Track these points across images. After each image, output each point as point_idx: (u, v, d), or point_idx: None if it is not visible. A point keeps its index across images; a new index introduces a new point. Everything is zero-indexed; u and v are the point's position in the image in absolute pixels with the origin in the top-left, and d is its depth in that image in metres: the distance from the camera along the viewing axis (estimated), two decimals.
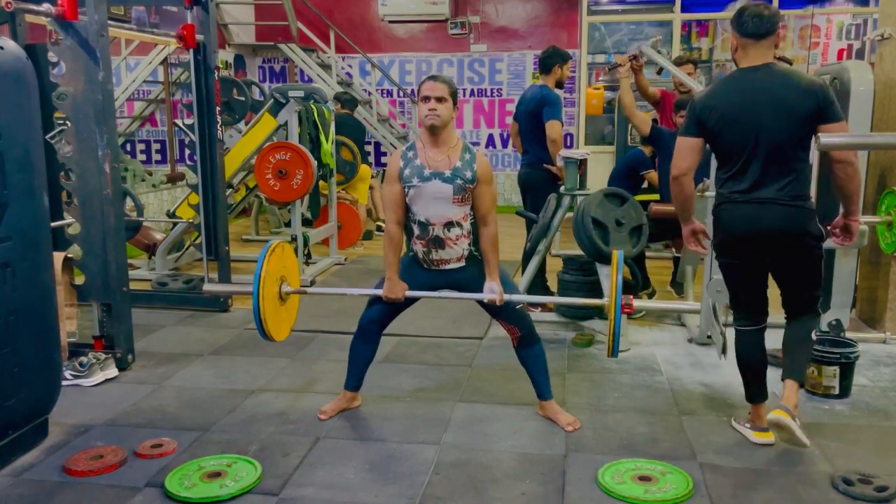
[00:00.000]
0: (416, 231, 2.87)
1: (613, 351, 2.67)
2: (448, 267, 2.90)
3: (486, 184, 2.82)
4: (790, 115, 2.63)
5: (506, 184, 9.42)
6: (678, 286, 4.74)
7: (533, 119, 4.63)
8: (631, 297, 2.68)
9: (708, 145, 2.79)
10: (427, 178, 2.78)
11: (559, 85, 4.75)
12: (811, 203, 2.74)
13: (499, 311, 2.92)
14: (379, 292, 2.90)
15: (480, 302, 2.91)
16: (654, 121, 5.45)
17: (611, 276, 2.67)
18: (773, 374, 3.54)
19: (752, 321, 2.87)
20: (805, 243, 2.70)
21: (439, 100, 2.74)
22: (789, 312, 2.88)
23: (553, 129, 4.52)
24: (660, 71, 5.25)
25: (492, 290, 2.83)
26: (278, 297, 2.88)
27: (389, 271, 2.88)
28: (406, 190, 2.82)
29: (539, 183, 4.69)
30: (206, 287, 3.21)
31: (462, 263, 2.90)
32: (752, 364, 2.86)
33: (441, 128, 2.77)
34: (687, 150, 2.77)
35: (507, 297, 2.83)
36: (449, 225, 2.82)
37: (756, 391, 2.86)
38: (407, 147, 2.88)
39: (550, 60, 4.68)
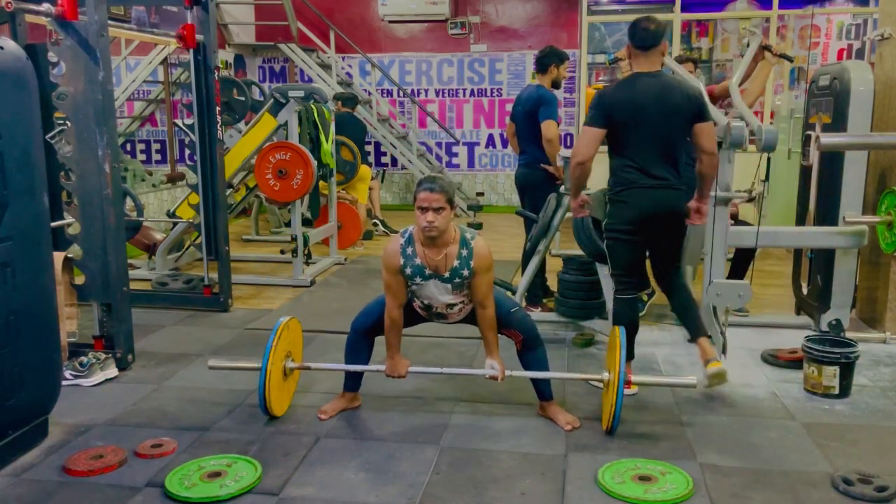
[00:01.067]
0: (420, 304, 2.98)
1: (612, 427, 2.78)
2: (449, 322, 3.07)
3: (483, 274, 2.81)
4: (677, 115, 3.12)
5: (506, 184, 9.43)
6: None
7: (529, 119, 4.62)
8: (629, 371, 2.85)
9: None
10: (428, 278, 2.82)
11: (556, 85, 4.74)
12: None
13: (501, 323, 2.94)
14: (380, 368, 2.97)
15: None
16: None
17: (614, 350, 2.79)
18: (773, 374, 3.56)
19: (634, 289, 3.37)
20: (682, 219, 3.28)
21: (437, 210, 2.68)
22: (661, 277, 3.42)
23: (549, 128, 4.52)
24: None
25: (493, 368, 2.91)
26: (283, 372, 3.00)
27: (391, 351, 2.94)
28: (408, 283, 2.86)
29: (537, 183, 4.70)
30: (211, 363, 3.21)
31: (464, 317, 3.02)
32: (634, 324, 3.32)
33: (439, 237, 2.75)
34: (593, 140, 3.22)
35: (508, 373, 2.91)
36: (450, 305, 2.92)
37: (633, 347, 3.35)
38: (405, 240, 2.83)
39: (547, 60, 4.67)
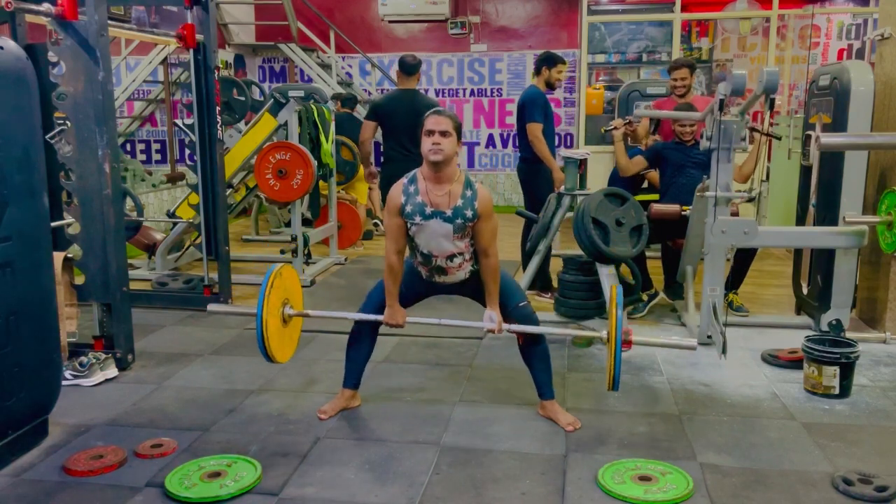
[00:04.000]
0: (419, 258, 2.92)
1: (614, 384, 2.74)
2: (450, 283, 2.97)
3: (487, 219, 2.78)
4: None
5: (506, 183, 9.43)
6: (674, 290, 4.74)
7: (521, 117, 4.95)
8: (630, 330, 2.79)
9: None
10: (429, 217, 2.77)
11: (549, 86, 5.02)
12: None
13: (507, 314, 2.93)
14: (379, 317, 2.95)
15: (482, 300, 2.95)
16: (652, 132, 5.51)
17: (609, 310, 2.74)
18: (773, 374, 3.56)
19: None
20: None
21: (443, 133, 2.68)
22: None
23: (531, 131, 4.83)
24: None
25: (491, 319, 2.88)
26: (281, 319, 2.95)
27: (390, 299, 2.91)
28: (408, 225, 2.82)
29: (530, 176, 5.02)
30: (211, 307, 3.21)
31: (464, 279, 2.95)
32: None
33: (444, 163, 2.72)
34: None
35: (505, 326, 2.89)
36: (451, 257, 2.86)
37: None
38: (408, 180, 2.82)
39: (539, 63, 5.03)
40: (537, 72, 5.05)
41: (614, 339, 2.67)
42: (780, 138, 4.52)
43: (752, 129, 4.31)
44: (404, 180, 2.83)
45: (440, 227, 2.78)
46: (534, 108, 4.83)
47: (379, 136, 5.46)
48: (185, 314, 4.58)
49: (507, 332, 2.93)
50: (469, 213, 2.76)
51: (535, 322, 2.98)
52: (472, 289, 2.98)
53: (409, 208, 2.78)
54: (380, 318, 2.95)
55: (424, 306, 3.14)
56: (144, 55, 8.24)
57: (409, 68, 5.04)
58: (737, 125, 3.71)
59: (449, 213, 2.76)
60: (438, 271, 2.92)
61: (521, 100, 4.99)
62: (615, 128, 4.74)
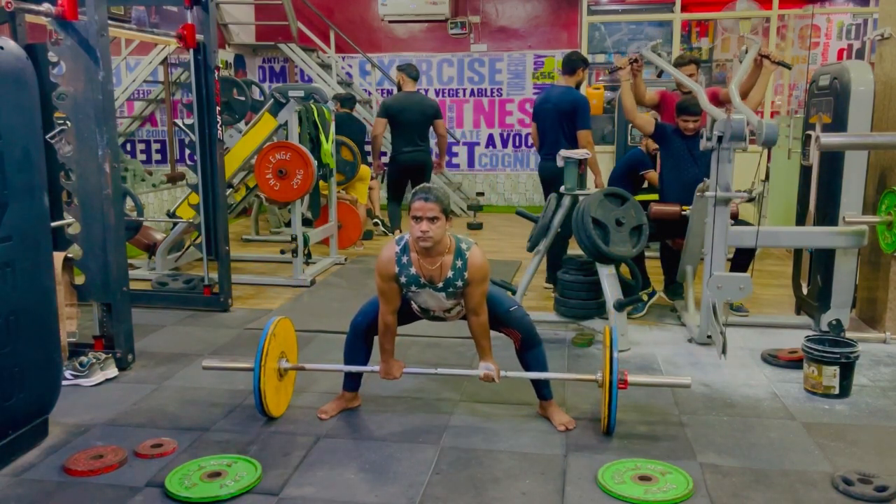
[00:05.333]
0: (417, 309, 3.00)
1: (609, 428, 2.78)
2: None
3: (477, 285, 2.79)
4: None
5: (506, 184, 9.43)
6: (673, 291, 4.73)
7: (566, 118, 4.91)
8: (626, 371, 2.82)
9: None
10: (423, 286, 2.82)
11: (577, 87, 5.05)
12: None
13: (500, 322, 2.94)
14: (375, 369, 2.97)
15: None
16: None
17: (603, 349, 2.81)
18: (773, 374, 3.56)
19: None
20: None
21: (431, 220, 2.65)
22: None
23: (585, 138, 4.90)
24: (660, 73, 5.29)
25: (487, 369, 2.89)
26: (278, 374, 3.00)
27: (385, 356, 2.94)
28: (403, 291, 2.85)
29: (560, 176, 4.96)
30: (205, 363, 3.19)
31: (462, 317, 3.01)
32: None
33: (434, 247, 2.72)
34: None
35: (503, 374, 2.90)
36: (448, 310, 2.94)
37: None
38: (400, 249, 2.80)
39: (574, 63, 5.01)
40: (571, 71, 4.99)
41: (609, 381, 2.73)
42: (790, 66, 4.54)
43: (764, 56, 4.33)
44: (396, 248, 2.80)
45: (433, 294, 2.85)
46: (587, 113, 4.87)
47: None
48: (185, 314, 4.58)
49: (503, 376, 2.92)
50: (459, 284, 2.79)
51: (529, 323, 2.99)
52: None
53: (403, 279, 2.80)
54: (375, 369, 2.97)
55: (423, 322, 3.16)
56: (144, 55, 8.24)
57: (415, 74, 5.95)
58: (740, 122, 3.69)
59: (440, 284, 2.80)
60: (436, 318, 3.03)
61: (570, 100, 4.93)
62: (620, 67, 4.63)
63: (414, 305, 2.98)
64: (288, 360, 3.08)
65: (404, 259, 2.79)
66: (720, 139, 3.69)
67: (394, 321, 2.88)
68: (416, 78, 5.96)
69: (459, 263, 2.77)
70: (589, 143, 4.90)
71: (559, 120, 4.93)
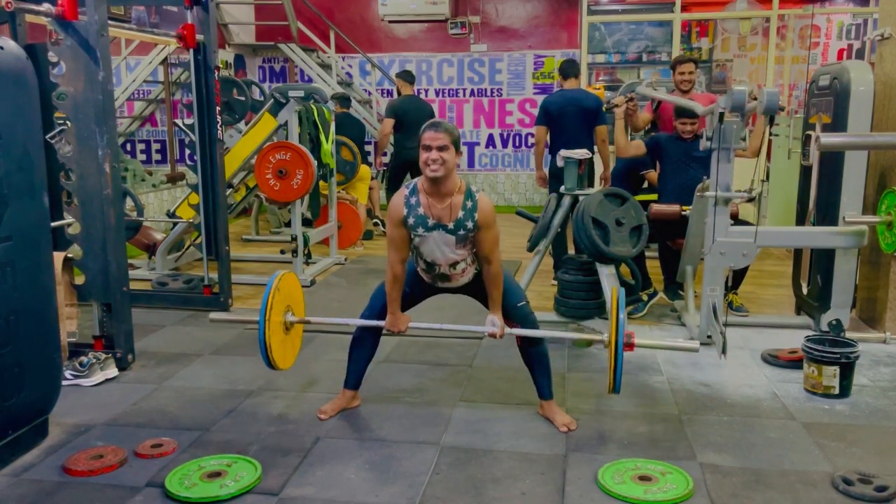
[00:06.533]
0: (423, 266, 2.93)
1: (615, 387, 2.74)
2: (453, 287, 3.00)
3: (488, 229, 2.77)
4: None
5: (506, 183, 9.42)
6: (673, 290, 4.73)
7: (591, 117, 5.18)
8: (633, 333, 2.76)
9: None
10: (431, 229, 2.77)
11: None
12: None
13: (506, 314, 2.93)
14: (381, 323, 2.95)
15: (484, 301, 2.96)
16: (648, 130, 5.54)
17: (611, 311, 2.74)
18: (773, 374, 3.56)
19: None
20: None
21: (441, 148, 2.64)
22: None
23: (604, 132, 5.27)
24: (657, 107, 5.41)
25: (493, 324, 2.88)
26: (284, 326, 2.98)
27: (392, 306, 2.91)
28: (411, 235, 2.82)
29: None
30: (212, 316, 3.22)
31: (467, 282, 2.97)
32: None
33: (444, 178, 2.69)
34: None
35: (508, 330, 2.89)
36: (454, 264, 2.87)
37: None
38: (409, 191, 2.79)
39: (577, 66, 5.51)
40: (576, 74, 5.42)
41: (615, 341, 2.67)
42: (783, 109, 4.64)
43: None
44: (405, 191, 2.80)
45: (443, 237, 2.79)
46: (603, 113, 5.20)
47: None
48: (185, 314, 4.58)
49: (508, 334, 2.92)
50: (470, 225, 2.76)
51: (534, 322, 2.98)
52: (474, 290, 2.99)
53: (411, 220, 2.78)
54: (381, 323, 2.96)
55: (426, 306, 3.14)
56: (144, 55, 8.23)
57: (411, 79, 6.86)
58: (736, 125, 3.71)
59: (451, 225, 2.76)
60: (442, 278, 2.94)
61: (595, 101, 5.23)
62: (616, 105, 4.79)
63: (420, 264, 2.92)
64: (294, 314, 3.05)
65: (412, 200, 2.77)
66: (721, 116, 3.66)
67: (402, 272, 2.86)
68: (412, 82, 6.89)
69: (470, 204, 2.75)
70: (606, 137, 5.25)
71: (583, 119, 5.18)
